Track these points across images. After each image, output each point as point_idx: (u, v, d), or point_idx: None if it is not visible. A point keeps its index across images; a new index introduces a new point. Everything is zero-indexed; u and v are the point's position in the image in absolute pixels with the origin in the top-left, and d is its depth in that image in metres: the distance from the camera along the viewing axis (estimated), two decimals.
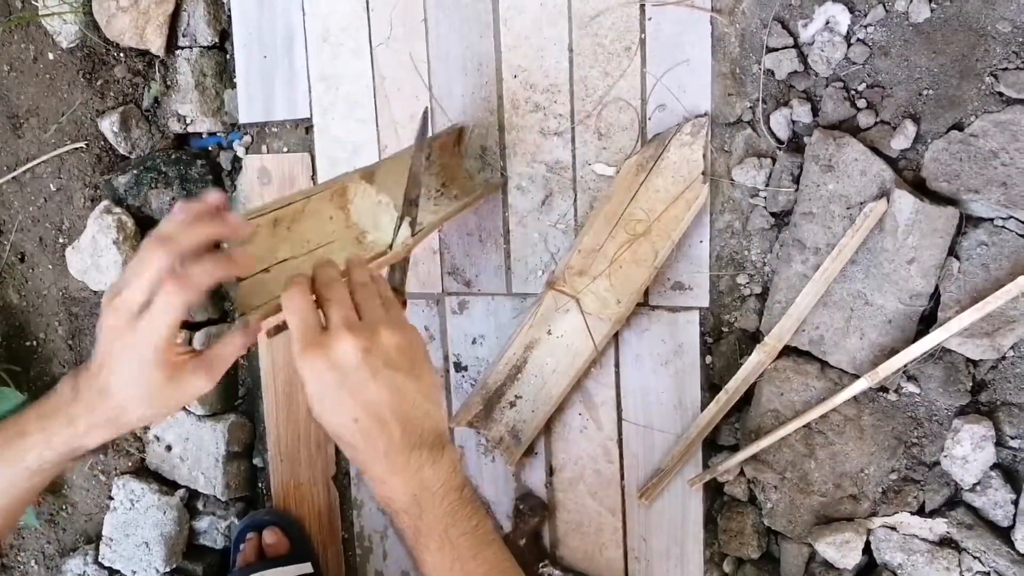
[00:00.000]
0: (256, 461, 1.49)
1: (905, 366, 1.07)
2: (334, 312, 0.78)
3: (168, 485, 1.49)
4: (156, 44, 1.35)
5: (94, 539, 1.54)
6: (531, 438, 1.26)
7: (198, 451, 1.45)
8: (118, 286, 0.80)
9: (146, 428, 1.48)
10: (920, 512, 1.12)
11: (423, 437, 0.79)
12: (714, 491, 1.25)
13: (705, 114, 1.14)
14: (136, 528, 1.47)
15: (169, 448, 1.47)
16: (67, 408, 0.82)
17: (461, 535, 0.81)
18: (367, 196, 1.06)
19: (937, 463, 1.11)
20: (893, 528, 1.13)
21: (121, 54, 1.40)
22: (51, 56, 1.43)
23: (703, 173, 1.13)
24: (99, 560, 1.51)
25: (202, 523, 1.50)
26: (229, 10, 1.36)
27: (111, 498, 1.49)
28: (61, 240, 1.48)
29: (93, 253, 1.37)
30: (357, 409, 0.77)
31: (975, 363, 1.08)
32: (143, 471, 1.51)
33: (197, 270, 0.78)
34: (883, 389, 1.11)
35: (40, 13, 1.37)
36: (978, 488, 1.09)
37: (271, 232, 0.91)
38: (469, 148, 1.27)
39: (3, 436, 0.84)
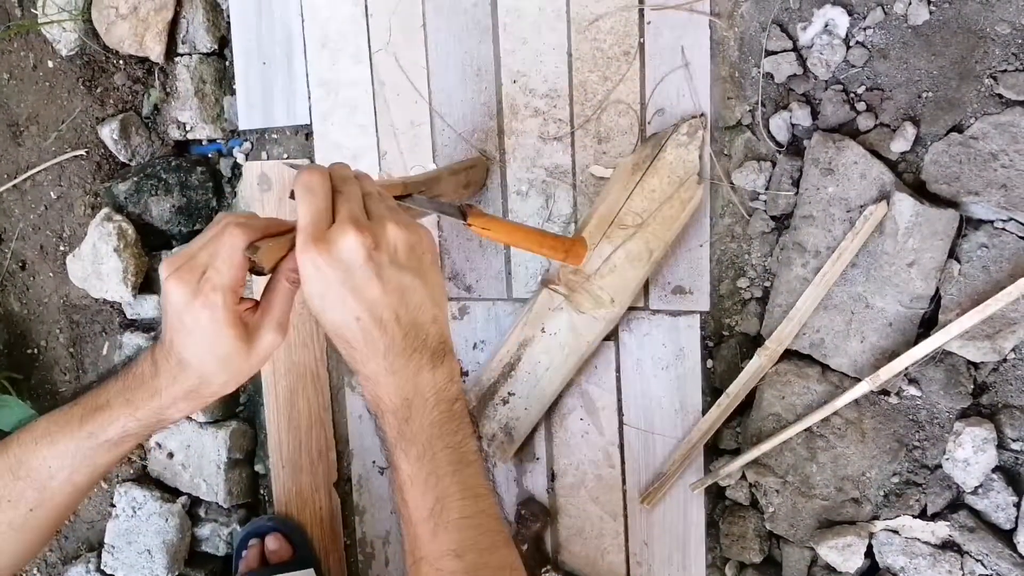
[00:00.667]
0: (258, 468, 1.49)
1: (906, 369, 1.07)
2: (343, 206, 0.74)
3: (170, 492, 1.49)
4: (155, 51, 1.35)
5: (96, 547, 1.54)
6: (524, 435, 1.26)
7: (200, 458, 1.45)
8: (177, 260, 0.80)
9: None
10: (922, 515, 1.12)
11: (426, 341, 0.76)
12: (716, 495, 1.25)
13: (702, 114, 1.14)
14: (138, 535, 1.47)
15: (171, 455, 1.47)
16: (151, 382, 0.82)
17: (444, 448, 0.77)
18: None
19: (939, 466, 1.11)
20: (895, 531, 1.13)
21: (121, 61, 1.40)
22: (51, 64, 1.43)
23: (699, 173, 1.13)
24: (101, 568, 1.51)
25: (204, 530, 1.50)
26: (228, 17, 1.36)
27: (113, 505, 1.49)
28: (62, 248, 1.48)
29: (94, 261, 1.37)
30: (359, 308, 0.73)
31: (976, 366, 1.08)
32: (145, 478, 1.51)
33: (256, 221, 0.80)
34: (884, 392, 1.11)
35: (40, 21, 1.38)
36: (980, 491, 1.08)
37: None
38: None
39: (84, 410, 0.85)
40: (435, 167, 1.28)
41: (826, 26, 1.08)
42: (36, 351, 1.54)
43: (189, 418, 1.44)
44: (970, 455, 1.07)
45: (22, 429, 0.89)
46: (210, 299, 0.77)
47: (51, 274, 1.50)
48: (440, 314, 0.77)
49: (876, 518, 1.14)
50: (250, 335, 0.80)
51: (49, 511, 0.88)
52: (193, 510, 1.50)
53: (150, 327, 1.46)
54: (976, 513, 1.09)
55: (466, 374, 1.33)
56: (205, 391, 0.83)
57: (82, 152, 1.43)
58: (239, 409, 1.49)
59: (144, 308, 1.44)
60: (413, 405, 0.76)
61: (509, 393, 1.25)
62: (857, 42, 1.07)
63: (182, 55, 1.38)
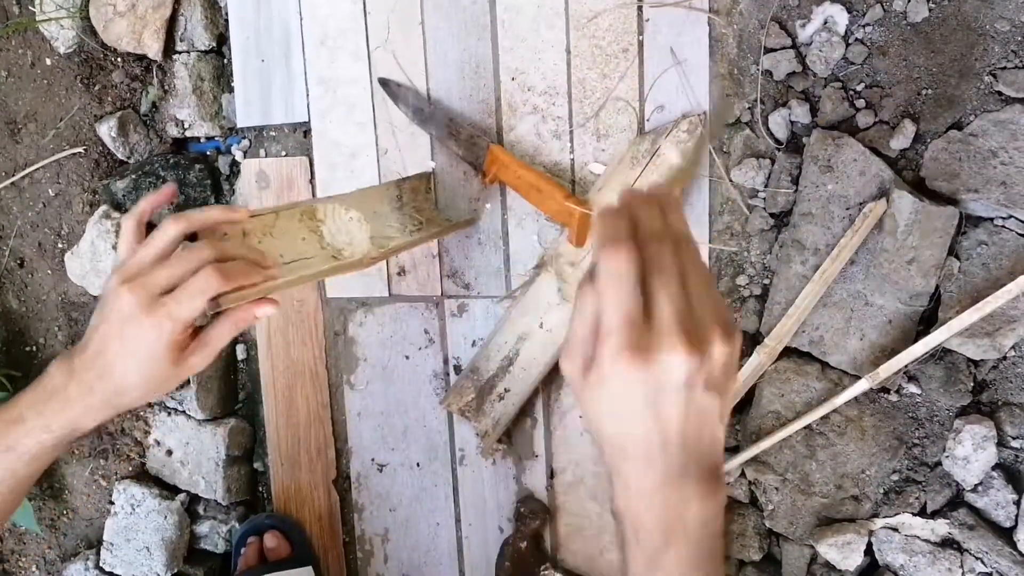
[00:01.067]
0: (256, 465, 1.49)
1: (906, 366, 1.07)
2: (663, 298, 0.59)
3: (168, 490, 1.49)
4: (153, 49, 1.34)
5: (95, 544, 1.54)
6: (505, 426, 1.27)
7: (198, 455, 1.45)
8: (134, 267, 0.82)
9: (147, 432, 1.48)
10: (922, 513, 1.12)
11: (703, 468, 0.64)
12: None
13: (704, 112, 1.14)
14: (137, 533, 1.47)
15: (170, 452, 1.47)
16: (63, 391, 0.83)
17: None
18: (338, 216, 1.08)
19: (938, 464, 1.11)
20: (895, 529, 1.13)
21: (119, 59, 1.40)
22: (49, 61, 1.43)
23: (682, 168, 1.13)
24: (100, 565, 1.51)
25: (203, 527, 1.50)
26: (226, 14, 1.36)
27: (112, 503, 1.49)
28: (60, 245, 1.48)
29: (92, 258, 1.37)
30: (654, 427, 0.61)
31: (976, 363, 1.07)
32: (143, 476, 1.51)
33: (236, 268, 0.81)
34: (884, 390, 1.11)
35: (37, 18, 1.37)
36: (980, 489, 1.08)
37: (241, 243, 0.93)
38: (439, 194, 1.29)
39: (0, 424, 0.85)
40: (432, 164, 1.28)
41: (825, 23, 1.07)
42: (34, 348, 1.54)
43: (188, 415, 1.44)
44: (970, 453, 1.07)
45: None
46: (162, 323, 0.80)
47: (49, 272, 1.50)
48: (722, 434, 0.66)
49: (876, 516, 1.14)
50: (181, 359, 0.83)
51: None
52: (192, 507, 1.50)
53: None
54: (976, 511, 1.09)
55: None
56: (119, 401, 0.84)
57: (80, 150, 1.43)
58: (238, 406, 1.49)
59: None
60: (672, 536, 0.64)
61: (506, 389, 1.25)
62: (856, 39, 1.07)
63: (180, 53, 1.37)
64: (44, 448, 0.86)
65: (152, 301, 0.80)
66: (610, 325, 0.59)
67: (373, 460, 1.40)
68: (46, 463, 0.90)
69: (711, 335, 0.59)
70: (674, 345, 0.58)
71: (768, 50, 1.10)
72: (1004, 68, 1.01)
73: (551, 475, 1.31)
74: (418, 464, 1.38)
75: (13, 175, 1.47)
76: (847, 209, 1.07)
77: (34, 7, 1.38)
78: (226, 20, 1.36)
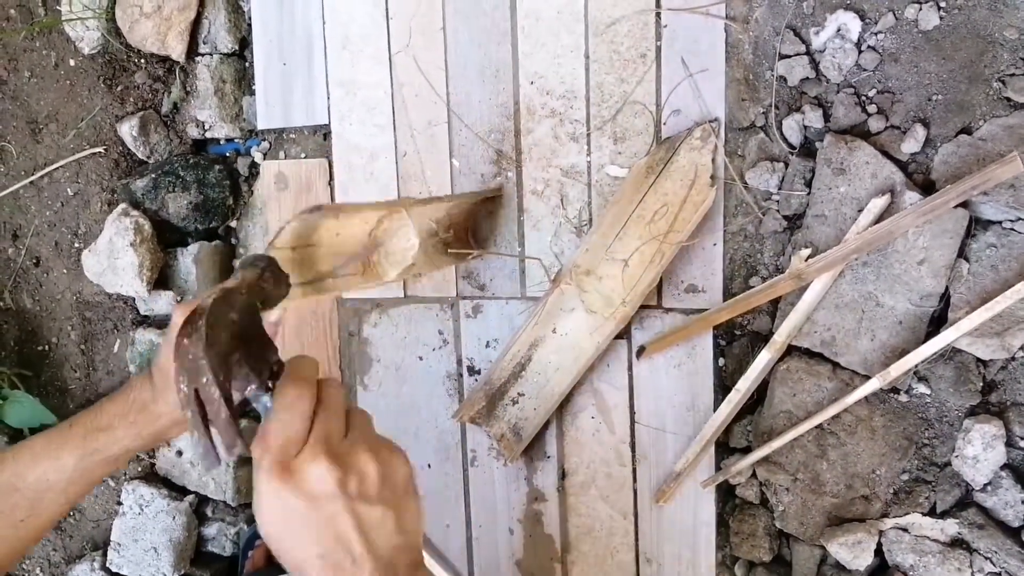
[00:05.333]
0: None
1: (916, 367, 1.09)
2: (319, 425, 0.66)
3: (178, 491, 1.49)
4: (177, 50, 1.37)
5: (101, 545, 1.54)
6: (532, 435, 1.28)
7: None
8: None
9: None
10: (931, 513, 1.13)
11: (398, 571, 0.68)
12: (726, 494, 1.26)
13: (715, 120, 1.16)
14: (145, 533, 1.47)
15: (180, 453, 1.48)
16: (152, 406, 0.89)
17: None
18: (405, 224, 1.10)
19: (948, 463, 1.12)
20: (905, 529, 1.14)
21: (142, 60, 1.43)
22: (72, 62, 1.45)
23: (712, 177, 1.15)
24: (107, 566, 1.51)
25: (211, 529, 1.50)
26: (250, 18, 1.39)
27: (120, 503, 1.49)
28: (77, 244, 1.49)
29: (110, 255, 1.38)
30: (325, 543, 0.65)
31: (985, 363, 1.09)
32: (152, 476, 1.51)
33: None
34: (894, 390, 1.13)
35: (64, 18, 1.40)
36: (989, 488, 1.10)
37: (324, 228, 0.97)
38: (501, 208, 1.30)
39: (85, 429, 0.91)
40: (449, 185, 1.30)
41: (838, 30, 1.10)
42: (47, 348, 1.55)
43: None
44: (979, 452, 1.08)
45: (17, 446, 0.95)
46: None
47: (65, 271, 1.51)
48: (410, 541, 0.70)
49: (886, 515, 1.15)
50: None
51: (38, 521, 0.93)
52: (200, 509, 1.50)
53: (162, 323, 1.47)
54: (985, 511, 1.11)
55: (478, 372, 1.34)
56: None
57: (100, 149, 1.45)
58: (248, 408, 1.49)
59: (158, 304, 1.45)
60: None
61: (519, 393, 1.26)
62: (869, 46, 1.10)
63: (203, 55, 1.40)
64: (128, 453, 0.92)
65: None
66: (268, 444, 0.64)
67: None
68: (121, 467, 0.96)
69: (357, 451, 0.65)
70: (315, 458, 0.63)
71: (783, 56, 1.13)
72: (1012, 75, 1.04)
73: (562, 476, 1.32)
74: (429, 465, 1.39)
75: (33, 174, 1.49)
76: (859, 211, 1.09)
77: (60, 7, 1.41)
78: (249, 24, 1.39)
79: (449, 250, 1.22)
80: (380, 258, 1.10)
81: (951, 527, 1.12)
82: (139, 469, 1.51)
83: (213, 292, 0.70)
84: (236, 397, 0.67)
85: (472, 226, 1.29)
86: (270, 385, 0.68)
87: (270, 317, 0.88)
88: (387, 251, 1.11)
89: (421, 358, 1.37)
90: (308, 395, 0.66)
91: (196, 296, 1.43)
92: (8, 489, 0.91)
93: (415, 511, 0.70)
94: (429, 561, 0.74)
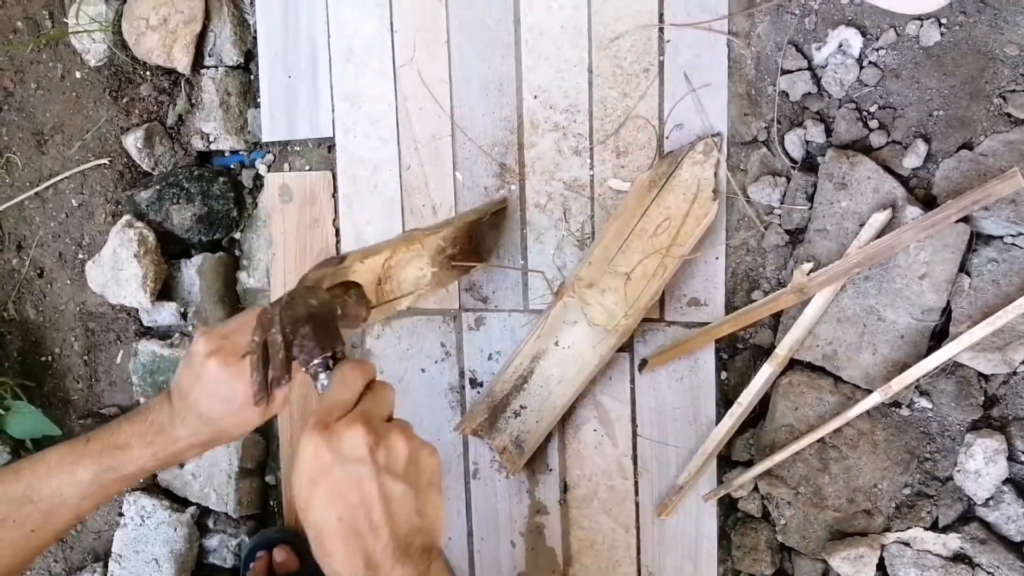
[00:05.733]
0: (268, 479, 1.50)
1: (917, 381, 1.09)
2: (364, 403, 0.74)
3: (179, 502, 1.50)
4: (183, 63, 1.38)
5: (102, 557, 1.54)
6: (534, 447, 1.28)
7: (211, 468, 1.45)
8: (226, 330, 0.91)
9: None
10: (934, 527, 1.13)
11: (409, 550, 0.71)
12: (728, 507, 1.26)
13: (718, 134, 1.17)
14: (146, 544, 1.47)
15: (181, 465, 1.48)
16: (170, 430, 0.91)
17: None
18: (419, 253, 1.13)
19: (950, 478, 1.12)
20: (907, 544, 1.14)
21: (148, 72, 1.44)
22: (78, 74, 1.46)
23: (714, 191, 1.16)
24: None
25: (212, 541, 1.50)
26: (255, 31, 1.40)
27: (121, 514, 1.49)
28: (80, 256, 1.50)
29: (113, 266, 1.39)
30: (345, 505, 0.69)
31: (987, 378, 1.10)
32: (154, 487, 1.51)
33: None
34: (896, 404, 1.13)
35: (71, 30, 1.41)
36: (991, 503, 1.10)
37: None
38: (504, 220, 1.31)
39: (102, 446, 0.93)
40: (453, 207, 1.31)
41: (840, 46, 1.11)
42: (50, 359, 1.55)
43: None
44: (981, 467, 1.08)
45: (34, 457, 0.96)
46: (244, 371, 0.88)
47: (68, 282, 1.51)
48: (427, 526, 0.74)
49: (888, 530, 1.15)
50: (269, 406, 0.89)
51: (48, 533, 0.95)
52: (202, 520, 1.50)
53: (166, 335, 1.47)
54: (987, 525, 1.11)
55: (480, 384, 1.34)
56: (219, 440, 0.93)
57: (105, 161, 1.46)
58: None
59: (161, 315, 1.45)
60: None
61: (521, 406, 1.27)
62: (870, 62, 1.11)
63: (208, 67, 1.41)
64: (143, 471, 0.94)
65: (232, 353, 0.88)
66: (321, 406, 0.73)
67: None
68: (133, 483, 0.98)
69: (392, 430, 0.73)
70: (354, 425, 0.70)
71: (785, 72, 1.14)
72: (1013, 91, 1.04)
73: (564, 489, 1.32)
74: None
75: (38, 185, 1.49)
76: (860, 225, 1.10)
77: (67, 19, 1.42)
78: (254, 37, 1.40)
79: (453, 263, 1.23)
80: (393, 288, 1.11)
81: (953, 542, 1.12)
82: (141, 480, 1.51)
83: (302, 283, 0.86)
84: (300, 361, 0.80)
85: (476, 238, 1.29)
86: (331, 365, 0.78)
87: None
88: (400, 280, 1.12)
89: (423, 370, 1.37)
90: (362, 377, 0.75)
91: (201, 312, 1.44)
92: (23, 500, 0.92)
93: (436, 502, 0.75)
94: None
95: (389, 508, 0.70)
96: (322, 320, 0.83)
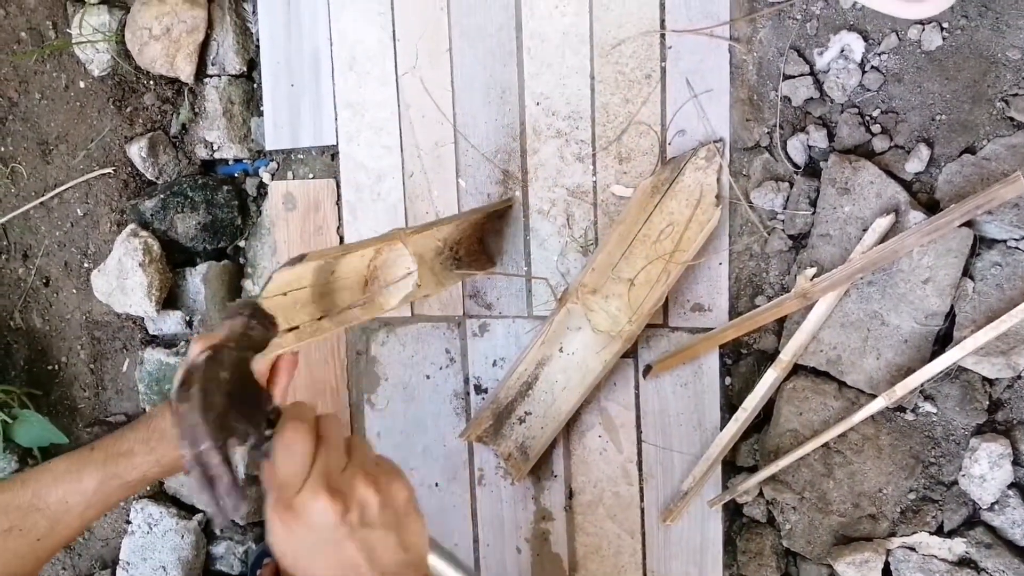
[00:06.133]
0: None
1: (922, 385, 1.09)
2: (319, 462, 0.71)
3: (186, 509, 1.50)
4: (186, 72, 1.38)
5: (110, 564, 1.55)
6: (539, 454, 1.28)
7: None
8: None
9: None
10: (939, 532, 1.13)
11: None
12: (733, 512, 1.26)
13: (720, 140, 1.17)
14: (153, 552, 1.47)
15: (187, 471, 1.48)
16: (172, 435, 0.93)
17: None
18: (400, 251, 1.10)
19: (955, 482, 1.12)
20: (912, 548, 1.14)
21: (151, 82, 1.44)
22: (82, 84, 1.46)
23: (717, 196, 1.16)
24: None
25: (219, 548, 1.50)
26: (258, 40, 1.40)
27: (128, 522, 1.50)
28: (86, 264, 1.50)
29: (119, 275, 1.39)
30: (334, 568, 0.71)
31: (991, 382, 1.09)
32: (161, 495, 1.52)
33: None
34: (900, 408, 1.13)
35: (74, 41, 1.41)
36: (996, 507, 1.10)
37: (316, 268, 0.97)
38: (508, 226, 1.31)
39: (106, 454, 0.94)
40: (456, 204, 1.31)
41: (842, 51, 1.11)
42: (56, 367, 1.56)
43: None
44: (986, 471, 1.08)
45: (39, 467, 0.97)
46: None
47: (74, 291, 1.52)
48: (413, 557, 0.75)
49: (893, 534, 1.15)
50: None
51: (54, 541, 0.95)
52: (209, 528, 1.50)
53: (171, 343, 1.48)
54: (992, 529, 1.11)
55: (485, 391, 1.34)
56: None
57: (110, 170, 1.46)
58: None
59: (167, 324, 1.46)
60: None
61: (526, 412, 1.27)
62: (872, 67, 1.10)
63: (211, 76, 1.41)
64: (146, 479, 0.95)
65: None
66: (277, 482, 0.69)
67: None
68: (137, 491, 1.00)
69: (356, 483, 0.70)
70: (315, 495, 0.68)
71: (787, 77, 1.14)
72: (1015, 95, 1.04)
73: (570, 495, 1.32)
74: (437, 484, 1.39)
75: (43, 195, 1.50)
76: (863, 230, 1.10)
77: (71, 30, 1.42)
78: (257, 45, 1.40)
79: (458, 267, 1.23)
80: (380, 288, 1.11)
81: (959, 546, 1.12)
82: (148, 488, 1.51)
83: (204, 351, 0.72)
84: (239, 451, 0.69)
85: (486, 240, 1.29)
86: (268, 434, 0.70)
87: (257, 365, 0.87)
88: (387, 280, 1.11)
89: (428, 377, 1.38)
90: (305, 436, 0.70)
91: (207, 320, 1.44)
92: (29, 509, 0.93)
93: (417, 528, 0.74)
94: (439, 562, 0.76)
95: (373, 557, 0.71)
96: (242, 389, 0.74)
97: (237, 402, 0.71)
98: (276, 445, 0.69)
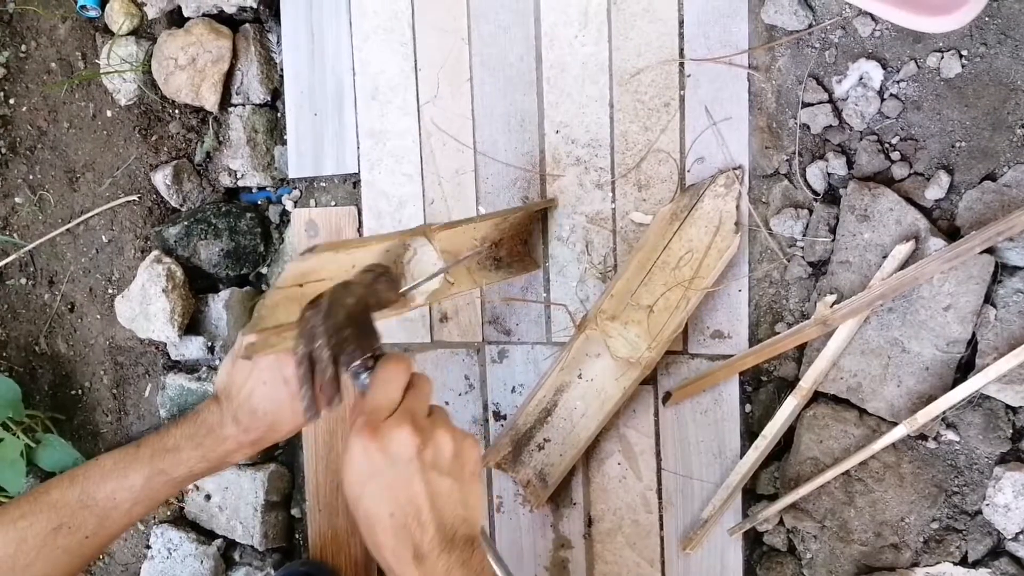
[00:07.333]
0: (294, 511, 1.50)
1: (944, 413, 1.08)
2: (408, 402, 0.78)
3: (206, 534, 1.51)
4: (211, 101, 1.41)
5: None
6: (558, 481, 1.27)
7: (237, 500, 1.46)
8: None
9: None
10: (963, 562, 1.12)
11: (454, 540, 0.76)
12: (753, 541, 1.25)
13: (739, 167, 1.18)
14: None
15: (208, 497, 1.49)
16: (219, 430, 0.95)
17: None
18: (426, 247, 1.09)
19: (979, 512, 1.11)
20: None
21: (176, 111, 1.47)
22: (109, 113, 1.49)
23: (736, 223, 1.16)
24: None
25: (238, 573, 1.50)
26: (281, 70, 1.43)
27: (148, 547, 1.50)
28: (110, 291, 1.52)
29: (142, 301, 1.41)
30: (395, 503, 0.74)
31: (1015, 410, 1.08)
32: (181, 520, 1.52)
33: None
34: (922, 437, 1.12)
35: (102, 71, 1.44)
36: (1021, 537, 1.08)
37: (332, 255, 0.94)
38: (550, 224, 1.30)
39: (152, 450, 0.97)
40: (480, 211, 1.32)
41: (861, 79, 1.12)
42: (80, 392, 1.57)
43: None
44: (1011, 501, 1.07)
45: (87, 464, 1.00)
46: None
47: (98, 316, 1.54)
48: (470, 516, 0.79)
49: (916, 565, 1.14)
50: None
51: (102, 539, 0.98)
52: (228, 553, 1.51)
53: (193, 368, 1.49)
54: (1017, 560, 1.09)
55: (503, 417, 1.35)
56: (272, 436, 0.96)
57: (135, 197, 1.49)
58: (278, 452, 1.51)
59: (189, 349, 1.47)
60: None
61: (545, 439, 1.27)
62: (891, 94, 1.11)
63: (236, 105, 1.43)
64: (192, 474, 0.97)
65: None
66: (365, 407, 0.77)
67: None
68: (182, 488, 1.02)
69: (436, 427, 0.77)
70: (400, 424, 0.75)
71: (806, 105, 1.14)
72: None
73: (588, 523, 1.31)
74: None
75: (69, 222, 1.52)
76: (883, 257, 1.09)
77: (99, 60, 1.45)
78: (281, 75, 1.43)
79: (497, 268, 1.23)
80: (409, 283, 1.08)
81: None
82: (168, 513, 1.52)
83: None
84: (342, 363, 0.81)
85: (526, 243, 1.30)
86: (370, 365, 0.80)
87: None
88: (413, 276, 1.09)
89: (447, 403, 1.38)
90: (403, 374, 0.79)
91: (228, 346, 1.45)
92: (78, 506, 0.96)
93: (477, 492, 0.81)
94: (488, 549, 0.80)
95: (436, 503, 0.75)
96: (360, 319, 0.85)
97: (353, 326, 0.83)
98: (375, 375, 0.79)
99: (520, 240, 1.28)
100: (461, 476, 0.78)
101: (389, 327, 1.36)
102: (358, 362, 0.81)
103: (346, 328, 0.82)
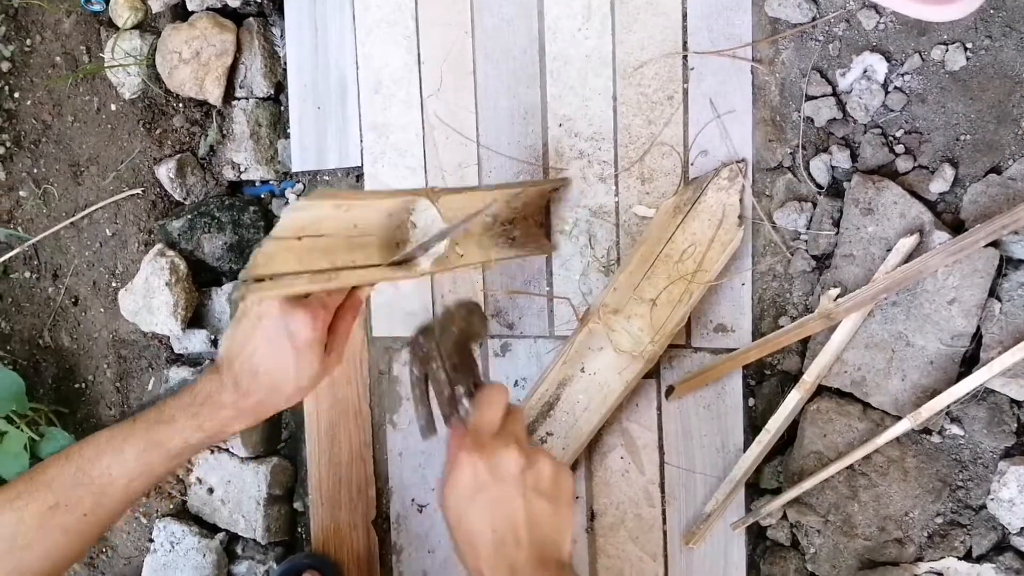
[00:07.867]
0: (296, 505, 1.50)
1: (948, 407, 1.08)
2: (512, 425, 0.85)
3: (208, 528, 1.51)
4: (214, 95, 1.41)
5: None
6: None
7: (239, 494, 1.46)
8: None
9: (189, 470, 1.50)
10: (967, 557, 1.12)
11: (546, 562, 0.80)
12: (756, 535, 1.25)
13: (743, 160, 1.17)
14: (175, 571, 1.48)
15: (211, 491, 1.49)
16: (216, 396, 0.93)
17: None
18: (429, 211, 1.04)
19: (983, 506, 1.11)
20: (940, 574, 1.12)
21: (180, 104, 1.47)
22: (113, 107, 1.49)
23: (739, 217, 1.16)
24: None
25: (240, 567, 1.50)
26: (285, 63, 1.43)
27: (151, 540, 1.50)
28: (114, 284, 1.52)
29: (145, 294, 1.41)
30: (498, 519, 0.80)
31: (1020, 404, 1.08)
32: (184, 513, 1.52)
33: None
34: (926, 431, 1.11)
35: (107, 64, 1.44)
36: None
37: (330, 209, 0.92)
38: (560, 204, 1.30)
39: (147, 423, 0.95)
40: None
41: (865, 72, 1.11)
42: (83, 385, 1.58)
43: (231, 453, 1.46)
44: (1015, 495, 1.06)
45: (83, 441, 0.98)
46: (298, 316, 0.91)
47: (102, 310, 1.54)
48: (563, 539, 0.83)
49: (920, 559, 1.13)
50: (324, 352, 0.93)
51: (101, 517, 0.97)
52: (230, 546, 1.51)
53: (196, 362, 1.49)
54: (1022, 555, 1.09)
55: None
56: (272, 401, 0.94)
57: (139, 191, 1.49)
58: (280, 445, 1.51)
59: (192, 342, 1.47)
60: None
61: (547, 433, 1.27)
62: (895, 87, 1.10)
63: (239, 99, 1.43)
64: (188, 446, 0.96)
65: (288, 304, 0.90)
66: (475, 425, 0.84)
67: (413, 500, 1.41)
68: (180, 464, 1.03)
69: (538, 452, 0.84)
70: (507, 443, 0.81)
71: (809, 97, 1.14)
72: None
73: (591, 517, 1.31)
74: None
75: (73, 215, 1.53)
76: (887, 251, 1.09)
77: (104, 54, 1.46)
78: (284, 69, 1.43)
79: (511, 247, 1.22)
80: (414, 249, 1.04)
81: (987, 572, 1.10)
82: (171, 506, 1.52)
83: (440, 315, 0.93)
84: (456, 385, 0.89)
85: (541, 224, 1.29)
86: (472, 391, 0.87)
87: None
88: (419, 240, 1.04)
89: None
90: (504, 399, 0.86)
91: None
92: (74, 483, 0.95)
93: (570, 520, 0.85)
94: None
95: (532, 524, 0.80)
96: (465, 347, 0.92)
97: (460, 353, 0.90)
98: (481, 398, 0.85)
99: (535, 222, 1.28)
100: (558, 501, 0.82)
101: (392, 319, 1.36)
102: (462, 389, 0.88)
103: (455, 354, 0.89)
